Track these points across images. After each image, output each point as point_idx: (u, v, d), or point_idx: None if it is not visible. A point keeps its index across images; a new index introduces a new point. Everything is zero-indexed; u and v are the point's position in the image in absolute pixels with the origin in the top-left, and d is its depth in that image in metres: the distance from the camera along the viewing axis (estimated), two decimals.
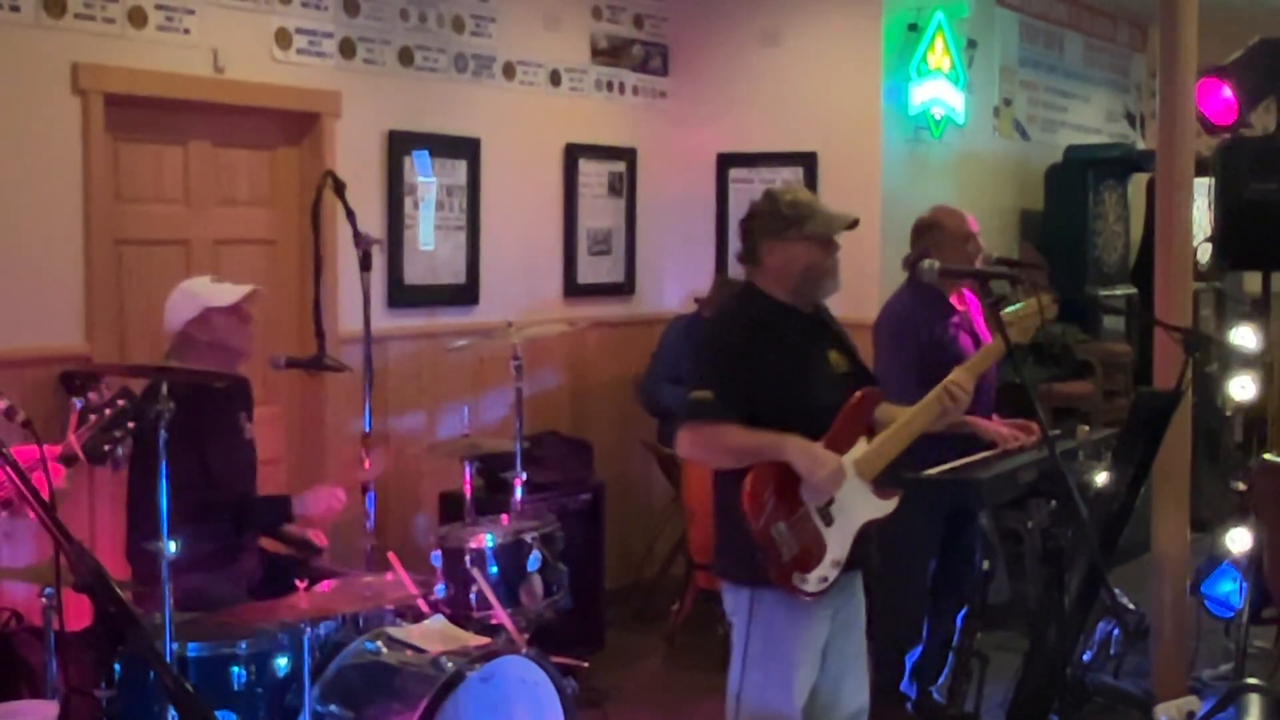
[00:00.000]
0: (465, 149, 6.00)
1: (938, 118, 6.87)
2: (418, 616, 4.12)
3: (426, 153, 5.73)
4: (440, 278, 5.94)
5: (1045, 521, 5.34)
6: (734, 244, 3.85)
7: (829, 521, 3.55)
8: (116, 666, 3.57)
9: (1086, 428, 4.89)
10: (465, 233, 6.03)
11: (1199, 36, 4.85)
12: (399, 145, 5.70)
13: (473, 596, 4.53)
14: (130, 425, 3.30)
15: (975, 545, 5.01)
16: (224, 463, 4.18)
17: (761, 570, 3.50)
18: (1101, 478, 4.44)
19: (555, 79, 6.47)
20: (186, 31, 4.96)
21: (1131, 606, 4.69)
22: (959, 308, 4.89)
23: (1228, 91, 5.38)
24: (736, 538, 3.54)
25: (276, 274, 5.42)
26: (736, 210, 4.00)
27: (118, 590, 2.06)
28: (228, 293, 4.23)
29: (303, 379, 5.33)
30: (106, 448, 3.29)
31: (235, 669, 3.61)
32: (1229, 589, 5.36)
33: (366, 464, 4.44)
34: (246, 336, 4.28)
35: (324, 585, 3.82)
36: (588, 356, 6.69)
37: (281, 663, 3.67)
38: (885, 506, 3.65)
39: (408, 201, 5.76)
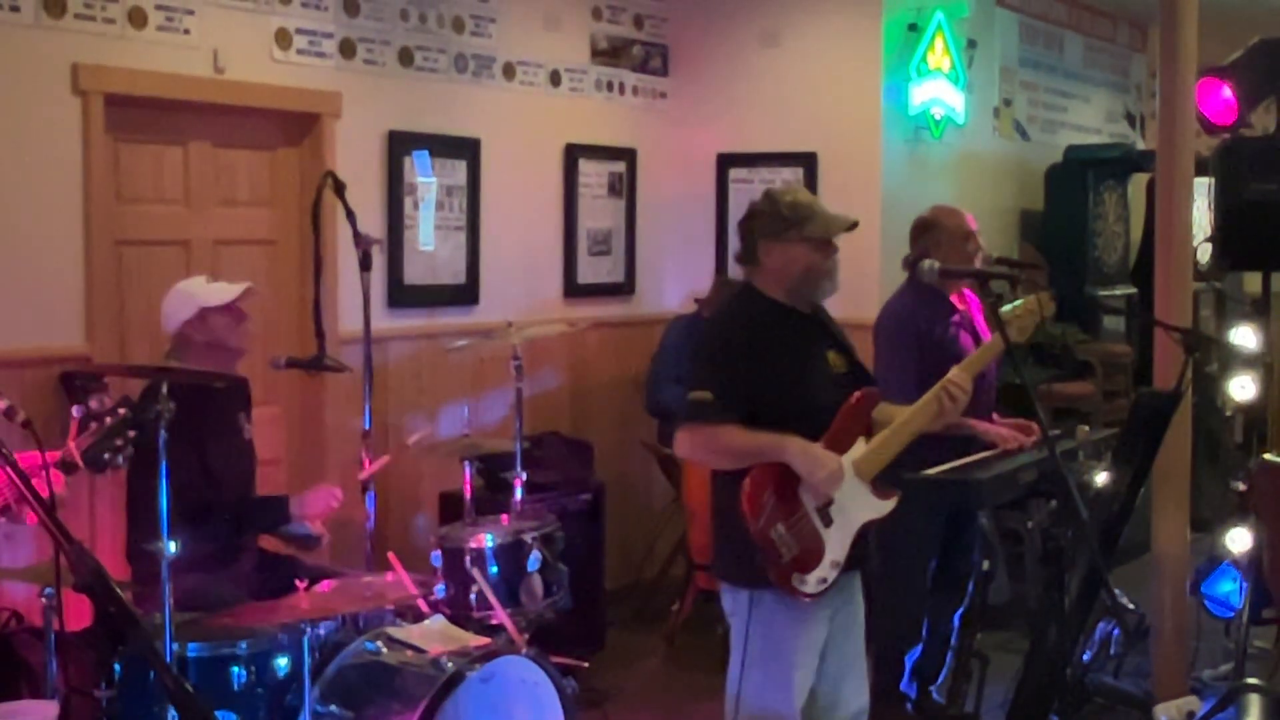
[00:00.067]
0: (465, 149, 6.01)
1: (938, 118, 6.87)
2: (418, 616, 4.12)
3: (426, 153, 5.74)
4: (440, 278, 5.94)
5: (1045, 521, 5.34)
6: (734, 244, 3.85)
7: (828, 522, 3.55)
8: (116, 666, 3.57)
9: (1086, 428, 4.89)
10: (465, 233, 6.03)
11: (1199, 36, 4.85)
12: (399, 145, 5.71)
13: (473, 596, 4.53)
14: (131, 434, 3.30)
15: (974, 545, 5.01)
16: (223, 463, 4.18)
17: (761, 571, 3.50)
18: (1101, 478, 4.44)
19: (555, 79, 6.47)
20: (186, 32, 4.96)
21: (1131, 606, 4.69)
22: (959, 307, 4.89)
23: (1228, 91, 5.39)
24: (735, 539, 3.54)
25: (276, 274, 5.43)
26: (736, 210, 4.00)
27: (118, 590, 2.06)
28: (223, 292, 4.23)
29: (303, 379, 5.33)
30: (106, 456, 3.28)
31: (235, 669, 3.61)
32: (1229, 589, 5.36)
33: (366, 464, 4.43)
34: (243, 335, 4.28)
35: (324, 585, 3.82)
36: (588, 356, 6.69)
37: (281, 663, 3.68)
38: (884, 507, 3.64)
39: (408, 201, 5.76)
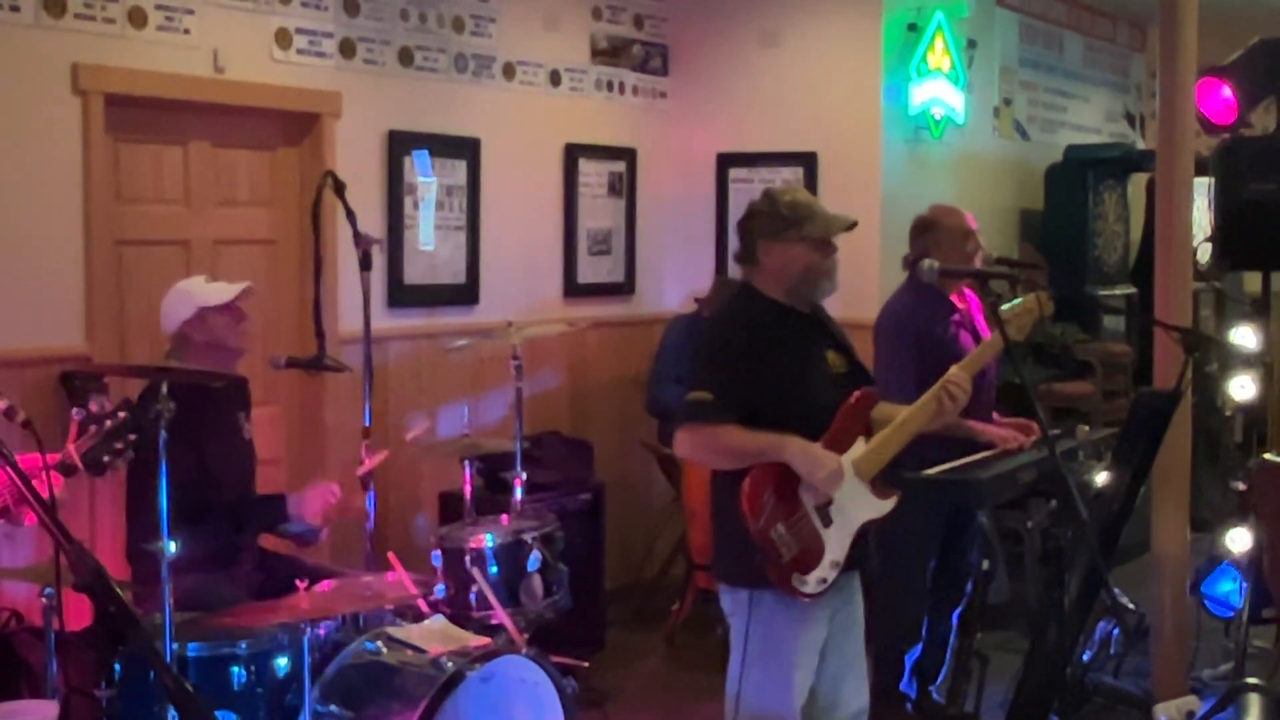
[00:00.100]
0: (465, 149, 6.01)
1: (938, 118, 6.87)
2: (418, 616, 4.12)
3: (426, 153, 5.73)
4: (440, 278, 5.94)
5: (1045, 521, 5.35)
6: (733, 244, 3.84)
7: (828, 522, 3.55)
8: (116, 666, 3.57)
9: (1086, 428, 4.89)
10: (465, 233, 6.03)
11: (1199, 36, 4.85)
12: (399, 145, 5.70)
13: (473, 596, 4.53)
14: (131, 438, 3.29)
15: (972, 544, 5.01)
16: (223, 463, 4.18)
17: (760, 572, 3.50)
18: (1101, 478, 4.44)
19: (555, 79, 6.47)
20: (186, 32, 4.96)
21: (1131, 606, 4.69)
22: (959, 306, 4.89)
23: (1227, 91, 5.39)
24: (735, 539, 3.54)
25: (276, 274, 5.43)
26: (736, 210, 4.00)
27: (118, 590, 2.06)
28: (222, 291, 4.24)
29: (303, 379, 5.33)
30: (106, 459, 3.27)
31: (235, 669, 3.61)
32: (1229, 589, 5.36)
33: (365, 462, 4.43)
34: (242, 334, 4.28)
35: (324, 585, 3.82)
36: (588, 356, 6.69)
37: (281, 663, 3.68)
38: (883, 506, 3.64)
39: (408, 201, 5.76)
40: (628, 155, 6.87)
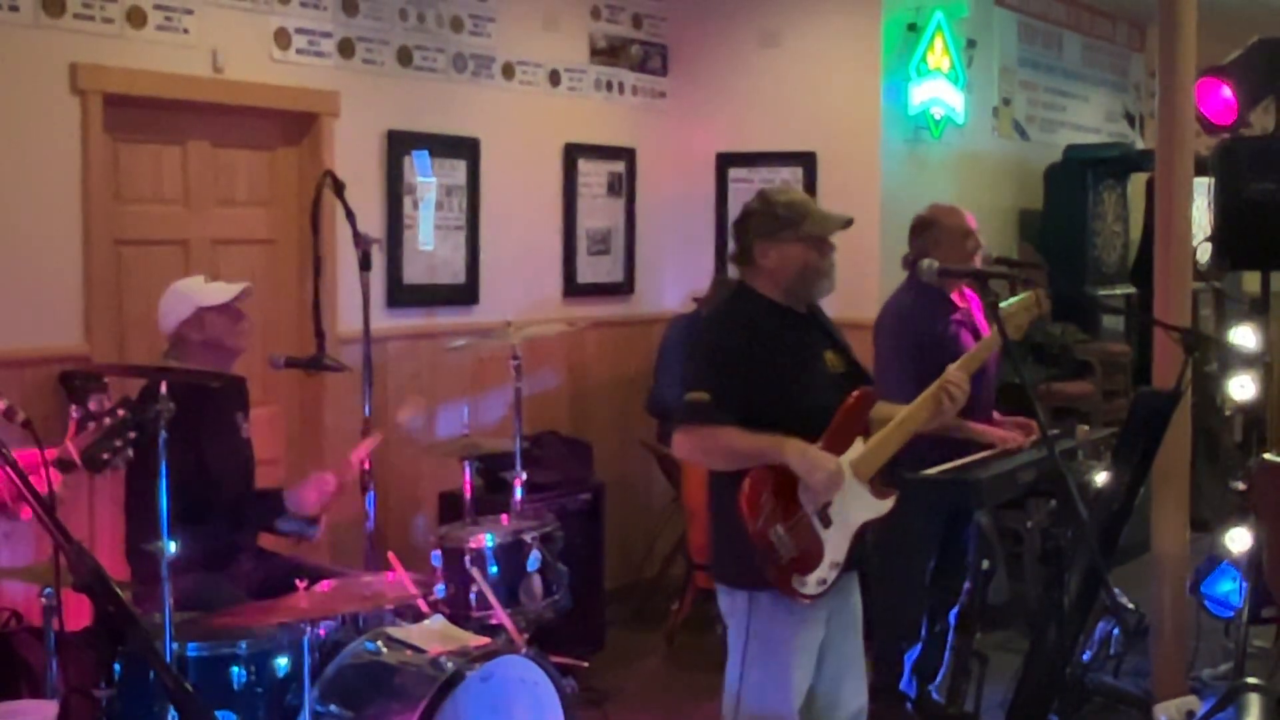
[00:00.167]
0: (465, 149, 6.00)
1: (937, 117, 6.87)
2: (418, 616, 4.12)
3: (426, 153, 5.73)
4: (440, 278, 5.94)
5: (1045, 521, 5.36)
6: (730, 245, 3.84)
7: (827, 523, 3.55)
8: (116, 666, 3.56)
9: (1086, 428, 4.90)
10: (465, 233, 6.03)
11: (1199, 36, 4.85)
12: (398, 145, 5.70)
13: (472, 596, 4.53)
14: (131, 435, 3.29)
15: (971, 544, 5.01)
16: (222, 462, 4.18)
17: (759, 573, 3.49)
18: (1101, 478, 4.44)
19: (554, 79, 6.47)
20: (185, 31, 4.96)
21: (1131, 606, 4.69)
22: (960, 305, 4.88)
23: (1227, 91, 5.38)
24: (734, 540, 3.53)
25: (276, 274, 5.43)
26: (736, 210, 4.00)
27: (117, 590, 2.06)
28: (220, 291, 4.24)
29: (302, 379, 5.33)
30: (105, 456, 3.27)
31: (235, 669, 3.61)
32: (1229, 589, 5.36)
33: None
34: (240, 334, 4.28)
35: (324, 585, 3.82)
36: (587, 356, 6.69)
37: (281, 663, 3.67)
38: (882, 506, 3.64)
39: (407, 201, 5.76)
40: (627, 155, 6.86)
